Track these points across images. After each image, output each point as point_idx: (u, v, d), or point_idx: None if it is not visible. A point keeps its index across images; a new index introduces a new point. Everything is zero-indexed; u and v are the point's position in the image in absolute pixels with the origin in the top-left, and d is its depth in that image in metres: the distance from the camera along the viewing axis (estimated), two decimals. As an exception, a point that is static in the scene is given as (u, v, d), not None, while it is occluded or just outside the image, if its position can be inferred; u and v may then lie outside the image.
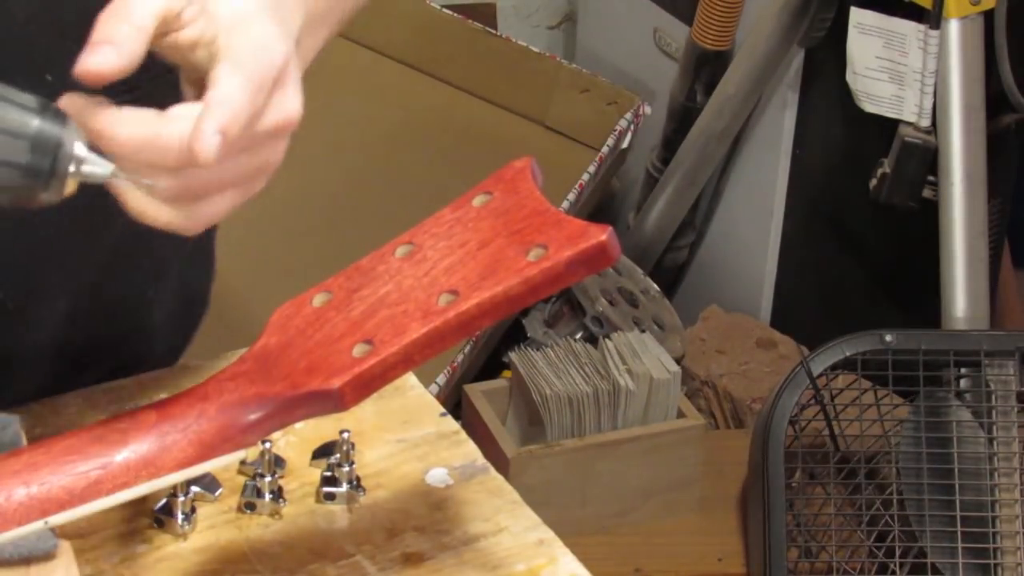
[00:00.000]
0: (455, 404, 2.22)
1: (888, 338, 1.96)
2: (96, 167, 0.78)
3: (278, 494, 0.99)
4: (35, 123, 0.77)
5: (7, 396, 1.03)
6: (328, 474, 1.00)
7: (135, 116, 0.80)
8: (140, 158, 0.80)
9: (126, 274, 1.10)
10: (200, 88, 0.83)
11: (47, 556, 0.87)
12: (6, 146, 0.76)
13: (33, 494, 0.83)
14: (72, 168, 0.78)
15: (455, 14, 2.60)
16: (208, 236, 1.18)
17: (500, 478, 1.02)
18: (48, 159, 0.77)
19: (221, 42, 0.82)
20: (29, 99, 0.78)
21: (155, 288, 1.14)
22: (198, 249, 1.18)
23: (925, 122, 2.10)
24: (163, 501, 0.97)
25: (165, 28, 0.80)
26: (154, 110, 0.80)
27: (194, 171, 0.81)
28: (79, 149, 0.78)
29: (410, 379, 1.09)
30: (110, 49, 0.78)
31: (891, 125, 2.12)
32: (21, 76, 0.81)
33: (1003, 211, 2.33)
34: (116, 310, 1.11)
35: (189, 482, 0.96)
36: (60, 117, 0.78)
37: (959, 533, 1.90)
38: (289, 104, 0.84)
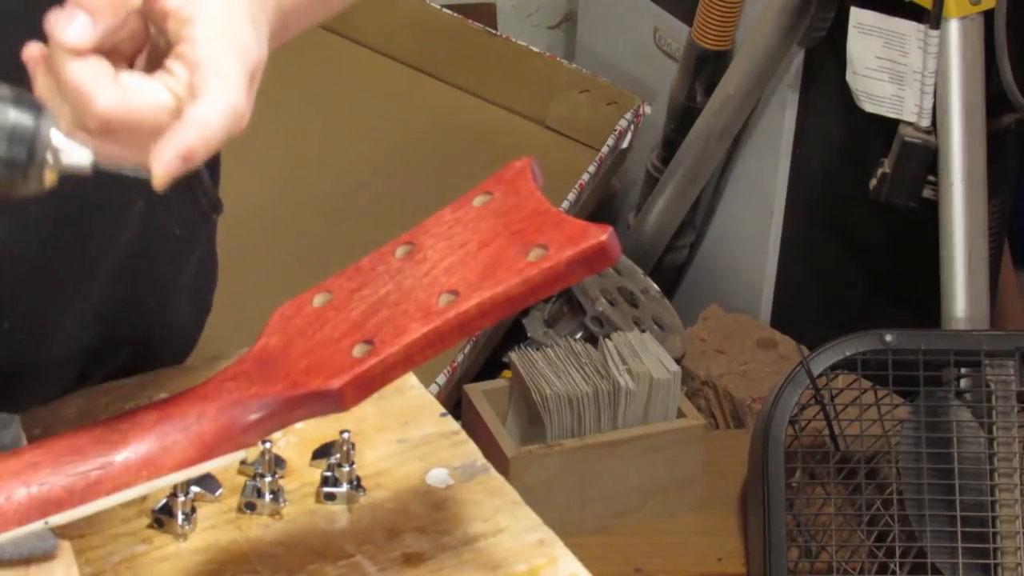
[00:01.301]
0: (455, 404, 2.22)
1: (888, 338, 1.96)
2: (75, 155, 0.78)
3: (278, 494, 0.99)
4: (10, 113, 0.76)
5: (26, 404, 1.03)
6: (328, 474, 1.00)
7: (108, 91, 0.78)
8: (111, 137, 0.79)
9: (141, 277, 1.10)
10: (155, 56, 0.81)
11: (47, 556, 0.87)
12: None
13: (33, 494, 0.83)
14: (50, 158, 0.77)
15: (455, 14, 2.60)
16: (213, 240, 1.18)
17: (500, 478, 1.02)
18: (24, 150, 0.76)
19: (199, 32, 0.79)
20: (3, 90, 0.77)
21: (167, 292, 1.14)
22: (207, 253, 1.18)
23: (925, 122, 2.10)
24: (163, 501, 0.97)
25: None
26: (117, 85, 0.78)
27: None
28: (56, 138, 0.77)
29: (410, 379, 1.09)
30: (85, 18, 0.77)
31: (891, 125, 2.12)
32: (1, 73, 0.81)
33: (1003, 211, 2.33)
34: (133, 313, 1.11)
35: (189, 482, 0.96)
36: (35, 107, 0.77)
37: (959, 533, 1.90)
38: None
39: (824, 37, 2.27)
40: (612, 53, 2.77)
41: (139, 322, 1.12)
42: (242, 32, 0.81)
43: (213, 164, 1.13)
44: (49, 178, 0.78)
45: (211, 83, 0.78)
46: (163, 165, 0.77)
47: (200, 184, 1.11)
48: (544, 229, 0.83)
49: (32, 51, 0.80)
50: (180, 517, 0.97)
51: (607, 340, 2.16)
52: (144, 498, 0.88)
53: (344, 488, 1.00)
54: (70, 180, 0.79)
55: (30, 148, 0.76)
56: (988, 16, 2.07)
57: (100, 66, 0.78)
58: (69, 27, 0.77)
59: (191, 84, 0.79)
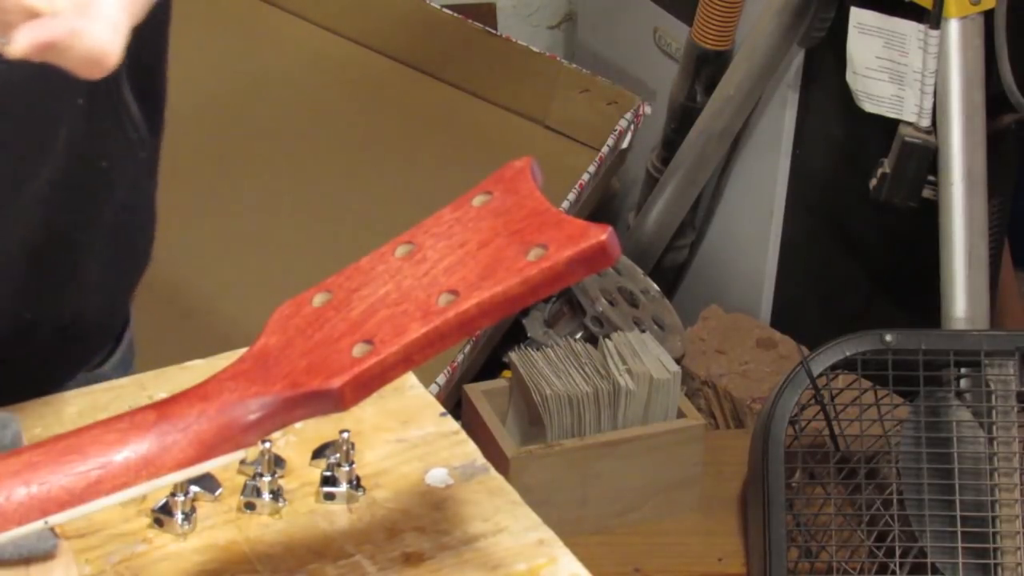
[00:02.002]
0: (455, 404, 2.22)
1: (888, 338, 1.96)
2: None
3: (278, 494, 0.99)
4: None
5: None
6: (328, 474, 1.00)
7: None
8: None
9: (55, 222, 1.08)
10: None
11: (47, 556, 0.87)
12: None
13: (33, 494, 0.83)
14: None
15: (455, 14, 2.60)
16: (144, 183, 1.16)
17: (500, 478, 1.02)
18: None
19: None
20: None
21: (87, 234, 1.11)
22: (137, 193, 1.15)
23: (925, 122, 2.10)
24: (163, 501, 0.97)
25: None
26: None
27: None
28: None
29: (410, 379, 1.09)
30: None
31: (891, 125, 2.12)
32: None
33: (1003, 211, 2.33)
34: (48, 259, 1.09)
35: (189, 482, 0.96)
36: None
37: (959, 533, 1.90)
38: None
39: (824, 37, 2.27)
40: (612, 53, 2.77)
41: (61, 260, 1.10)
42: None
43: (148, 97, 1.11)
44: None
45: (99, 12, 0.80)
46: (24, 40, 0.77)
47: (129, 117, 1.09)
48: (544, 229, 0.83)
49: None
50: (180, 517, 0.97)
51: (607, 340, 2.16)
52: (144, 498, 0.88)
53: (344, 488, 1.00)
54: None
55: None
56: (988, 16, 2.07)
57: None
58: None
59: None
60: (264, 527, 0.98)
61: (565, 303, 2.35)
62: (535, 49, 2.60)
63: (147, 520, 0.97)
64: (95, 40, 0.80)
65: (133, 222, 1.16)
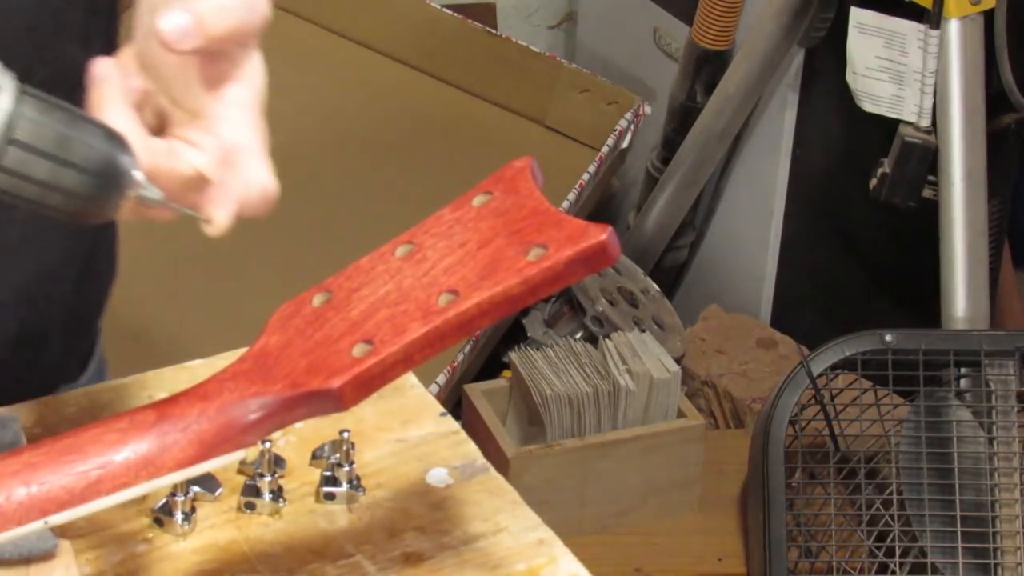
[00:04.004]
0: (455, 404, 2.22)
1: (888, 338, 1.96)
2: (151, 193, 0.83)
3: (278, 494, 0.99)
4: (105, 148, 0.80)
5: None
6: (328, 474, 1.00)
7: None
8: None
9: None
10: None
11: (47, 556, 0.87)
12: (81, 180, 0.80)
13: (33, 494, 0.83)
14: (131, 192, 0.82)
15: (455, 14, 2.60)
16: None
17: (500, 478, 1.02)
18: (115, 186, 0.81)
19: (233, 114, 0.88)
20: (100, 125, 0.81)
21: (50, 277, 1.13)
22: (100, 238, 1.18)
23: (925, 122, 2.10)
24: (163, 501, 0.97)
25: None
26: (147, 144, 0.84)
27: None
28: (138, 175, 0.82)
29: (410, 379, 1.09)
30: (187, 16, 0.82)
31: (891, 125, 2.12)
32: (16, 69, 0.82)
33: (1003, 211, 2.33)
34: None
35: (189, 482, 0.96)
36: (124, 144, 0.82)
37: (959, 533, 1.90)
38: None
39: (824, 37, 2.27)
40: (612, 53, 2.77)
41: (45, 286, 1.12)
42: (261, 123, 0.92)
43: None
44: (124, 208, 0.82)
45: (252, 161, 0.89)
46: (224, 219, 0.86)
47: None
48: (544, 229, 0.83)
49: (98, 71, 0.84)
50: (180, 517, 0.97)
51: (607, 340, 2.16)
52: (144, 498, 0.88)
53: (344, 488, 1.00)
54: None
55: (119, 183, 0.81)
56: (988, 16, 2.06)
57: (133, 123, 0.84)
58: (174, 22, 0.83)
59: (225, 157, 0.87)
60: (264, 527, 0.98)
61: (565, 303, 2.35)
62: (535, 49, 2.60)
63: (147, 520, 0.97)
64: (259, 183, 0.89)
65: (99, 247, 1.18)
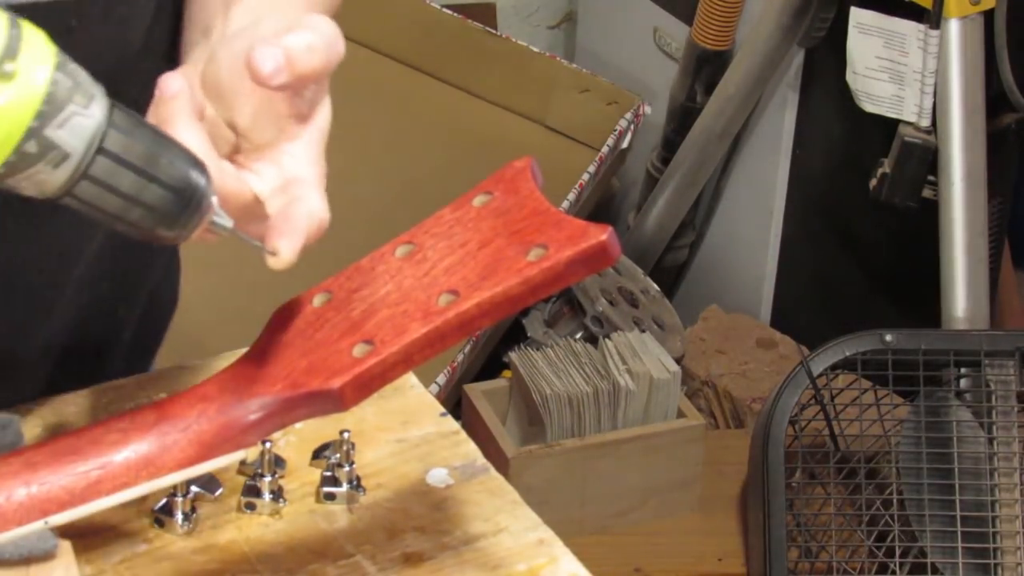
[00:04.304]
0: (455, 404, 2.22)
1: (888, 338, 1.96)
2: (223, 220, 0.83)
3: (278, 494, 0.99)
4: (190, 173, 0.80)
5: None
6: (328, 474, 1.00)
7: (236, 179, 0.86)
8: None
9: (110, 282, 1.11)
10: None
11: (47, 556, 0.87)
12: (163, 197, 0.80)
13: (33, 494, 0.83)
14: (208, 217, 0.82)
15: (455, 14, 2.60)
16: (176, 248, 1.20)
17: (500, 478, 1.02)
18: (195, 207, 0.81)
19: (298, 150, 0.92)
20: (185, 149, 0.81)
21: (134, 295, 1.15)
22: (174, 257, 1.20)
23: (925, 122, 2.10)
24: (163, 501, 0.97)
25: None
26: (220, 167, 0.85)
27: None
28: (214, 200, 0.82)
29: (410, 379, 1.09)
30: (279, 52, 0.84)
31: (891, 125, 2.12)
32: None
33: (1003, 211, 2.33)
34: (102, 315, 1.12)
35: (189, 482, 0.96)
36: (203, 166, 0.82)
37: (959, 533, 1.90)
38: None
39: (824, 37, 2.27)
40: (612, 53, 2.77)
41: (108, 323, 1.13)
42: (322, 160, 0.95)
43: None
44: (196, 231, 0.82)
45: (311, 194, 0.91)
46: (289, 253, 0.85)
47: None
48: (544, 229, 0.83)
49: (172, 86, 0.84)
50: (180, 517, 0.97)
51: (607, 340, 2.16)
52: (144, 498, 0.88)
53: (344, 488, 1.00)
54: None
55: (200, 204, 0.81)
56: (988, 16, 2.07)
57: (205, 143, 0.84)
58: (270, 57, 0.84)
59: (285, 188, 0.89)
60: (264, 527, 0.98)
61: (565, 303, 2.35)
62: (535, 49, 2.60)
63: (148, 520, 0.97)
64: (315, 213, 0.90)
65: (170, 281, 1.25)
